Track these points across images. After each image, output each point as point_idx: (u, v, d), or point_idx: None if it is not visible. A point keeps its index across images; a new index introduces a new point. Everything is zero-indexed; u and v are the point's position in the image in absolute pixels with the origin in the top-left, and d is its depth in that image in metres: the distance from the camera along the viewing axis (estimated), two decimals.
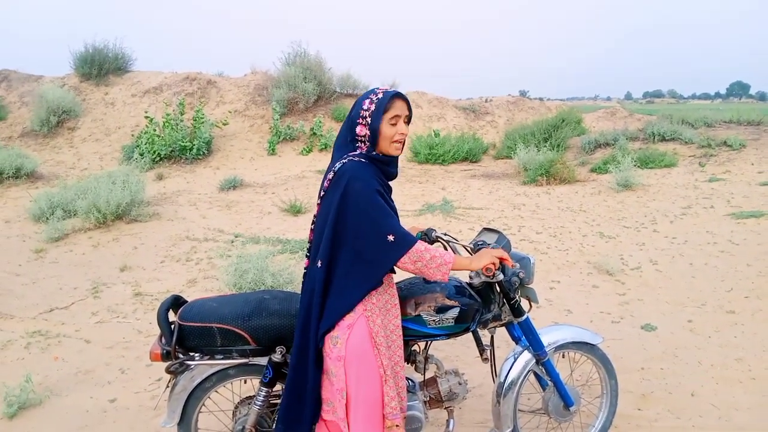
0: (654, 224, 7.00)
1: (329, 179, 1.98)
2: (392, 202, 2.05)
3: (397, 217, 2.02)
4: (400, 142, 2.02)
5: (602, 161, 10.51)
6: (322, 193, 2.02)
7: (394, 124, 1.99)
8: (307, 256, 2.09)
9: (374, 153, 2.01)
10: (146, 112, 11.30)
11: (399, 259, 1.91)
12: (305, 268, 2.09)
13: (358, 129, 2.00)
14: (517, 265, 2.23)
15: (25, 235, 6.83)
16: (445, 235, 2.47)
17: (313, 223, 2.08)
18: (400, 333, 2.09)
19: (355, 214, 1.90)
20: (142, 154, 10.71)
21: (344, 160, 1.98)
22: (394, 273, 2.08)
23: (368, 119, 1.98)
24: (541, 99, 18.91)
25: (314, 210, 2.08)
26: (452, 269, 1.96)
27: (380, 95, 1.99)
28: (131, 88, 13.49)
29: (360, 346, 1.94)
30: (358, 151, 2.02)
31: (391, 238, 1.89)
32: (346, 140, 2.05)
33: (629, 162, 9.30)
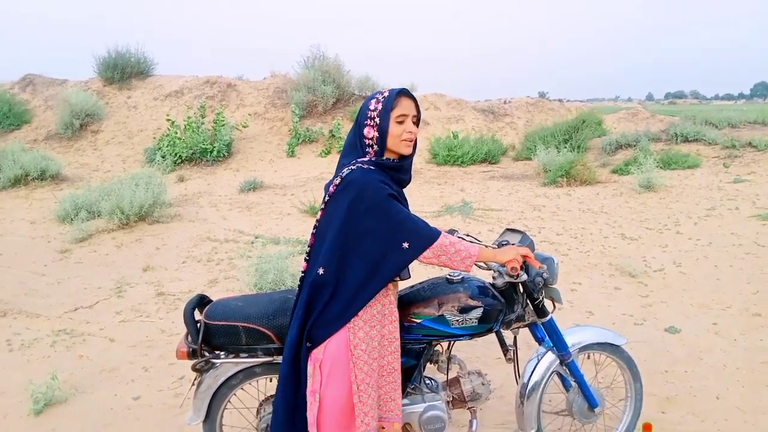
0: (677, 226, 6.90)
1: (335, 185, 1.92)
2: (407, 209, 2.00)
3: None
4: (410, 141, 1.96)
5: (624, 162, 10.37)
6: (327, 199, 1.95)
7: (401, 123, 1.93)
8: (306, 260, 2.02)
9: (384, 158, 1.96)
10: (168, 115, 11.46)
11: (421, 254, 1.88)
12: (303, 272, 2.01)
13: (366, 131, 1.95)
14: (544, 266, 2.22)
15: (50, 235, 6.97)
16: (467, 236, 2.44)
17: (315, 227, 2.00)
18: (396, 338, 2.05)
19: (367, 222, 1.86)
20: (163, 157, 10.86)
21: (352, 167, 1.92)
22: (401, 280, 2.04)
23: (376, 119, 1.93)
24: (560, 100, 18.77)
25: None
26: (477, 261, 1.95)
27: (386, 94, 1.95)
28: (153, 92, 13.70)
29: (336, 354, 1.90)
30: (366, 158, 1.96)
31: (405, 245, 1.87)
32: (354, 145, 2.00)
33: (651, 163, 9.16)
